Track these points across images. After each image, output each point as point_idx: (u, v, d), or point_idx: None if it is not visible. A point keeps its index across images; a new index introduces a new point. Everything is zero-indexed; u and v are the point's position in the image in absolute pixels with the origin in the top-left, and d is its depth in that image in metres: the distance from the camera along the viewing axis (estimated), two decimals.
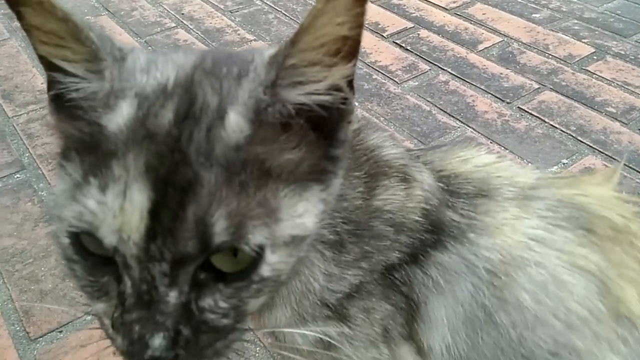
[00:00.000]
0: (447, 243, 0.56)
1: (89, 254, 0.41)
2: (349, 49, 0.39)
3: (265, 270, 0.40)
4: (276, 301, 0.54)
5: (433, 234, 0.56)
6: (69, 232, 0.40)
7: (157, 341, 0.38)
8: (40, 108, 1.53)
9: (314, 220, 0.42)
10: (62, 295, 1.05)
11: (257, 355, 0.96)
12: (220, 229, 0.37)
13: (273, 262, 0.40)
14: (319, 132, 0.43)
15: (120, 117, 0.39)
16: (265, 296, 0.43)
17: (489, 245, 0.56)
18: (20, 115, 1.51)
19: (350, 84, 0.42)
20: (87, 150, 0.40)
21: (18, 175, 1.32)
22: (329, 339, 0.54)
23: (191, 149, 0.38)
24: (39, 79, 1.65)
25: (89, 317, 1.01)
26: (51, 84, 0.43)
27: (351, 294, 0.54)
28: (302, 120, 0.41)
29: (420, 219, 0.55)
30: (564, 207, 0.58)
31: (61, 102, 0.43)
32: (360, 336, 0.56)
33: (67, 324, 1.00)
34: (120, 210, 0.37)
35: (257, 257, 0.39)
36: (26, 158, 1.37)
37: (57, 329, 1.00)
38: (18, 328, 1.00)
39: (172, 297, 0.39)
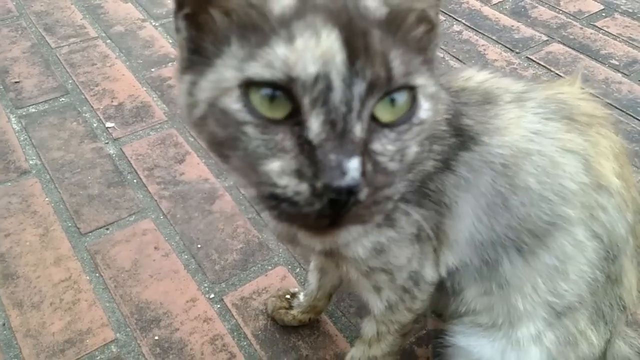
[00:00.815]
0: (469, 144, 0.66)
1: (261, 116, 0.44)
2: None
3: (422, 113, 0.47)
4: None
5: (457, 137, 0.65)
6: (241, 95, 0.44)
7: (354, 164, 0.41)
8: (80, 41, 1.65)
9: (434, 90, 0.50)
10: (107, 200, 1.19)
11: (280, 254, 1.09)
12: (397, 64, 0.44)
13: (426, 108, 0.48)
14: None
15: (285, 2, 0.45)
16: (420, 144, 0.48)
17: (501, 143, 0.66)
18: (63, 46, 1.62)
19: (437, 15, 0.52)
20: (250, 32, 0.45)
21: (63, 99, 1.44)
22: (381, 245, 0.65)
23: (356, 13, 0.45)
24: (78, 15, 1.76)
25: (131, 218, 1.15)
26: None
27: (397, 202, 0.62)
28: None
29: (446, 128, 0.65)
30: (550, 103, 0.69)
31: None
32: (403, 237, 0.66)
33: (112, 223, 1.14)
34: (317, 44, 0.42)
35: (413, 101, 0.47)
36: (69, 84, 1.49)
37: (104, 226, 1.13)
38: (70, 224, 1.14)
39: (358, 129, 0.43)
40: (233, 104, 0.45)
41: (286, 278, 1.05)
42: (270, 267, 1.07)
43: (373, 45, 0.43)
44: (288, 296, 0.99)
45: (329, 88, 0.42)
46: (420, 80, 0.47)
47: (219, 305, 1.01)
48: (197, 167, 1.27)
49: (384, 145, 0.45)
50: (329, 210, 0.42)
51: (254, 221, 1.15)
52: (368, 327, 0.80)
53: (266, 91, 0.44)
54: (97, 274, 1.05)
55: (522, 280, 0.69)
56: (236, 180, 0.55)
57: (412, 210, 0.65)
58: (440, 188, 0.66)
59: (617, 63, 1.57)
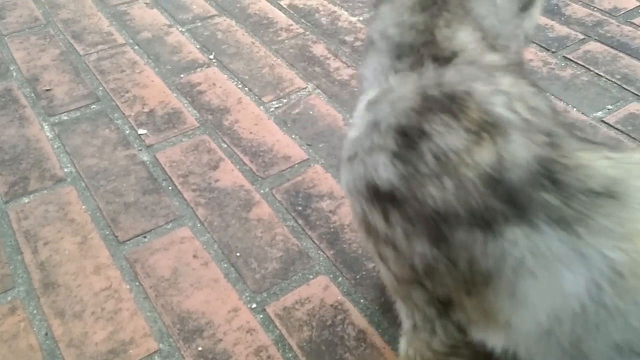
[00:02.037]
0: (541, 224, 0.51)
1: None
2: None
3: None
4: None
5: (510, 209, 0.51)
6: None
7: None
8: (108, 48, 1.64)
9: None
10: (143, 207, 1.17)
11: (321, 263, 1.07)
12: None
13: None
14: None
15: None
16: None
17: (610, 246, 0.50)
18: (91, 54, 1.61)
19: None
20: None
21: (94, 106, 1.43)
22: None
23: None
24: (105, 22, 1.75)
25: (169, 226, 1.13)
26: None
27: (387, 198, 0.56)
28: None
29: (476, 180, 0.51)
30: None
31: None
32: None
33: (150, 230, 1.12)
34: None
35: None
36: (100, 91, 1.48)
37: (141, 234, 1.12)
38: (107, 232, 1.12)
39: None
40: None
41: (329, 287, 1.02)
42: (311, 276, 1.04)
43: None
44: None
45: None
46: None
47: (261, 316, 0.98)
48: (232, 174, 1.25)
49: None
50: None
51: (292, 229, 1.13)
52: (401, 344, 0.73)
53: None
54: (137, 283, 1.03)
55: None
56: None
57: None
58: (469, 241, 0.53)
59: None
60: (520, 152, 0.51)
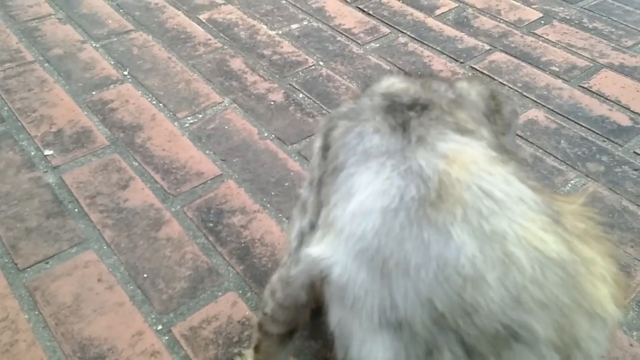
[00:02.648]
0: (397, 125, 0.62)
1: None
2: None
3: None
4: None
5: (384, 103, 0.66)
6: None
7: None
8: (16, 66, 1.58)
9: None
10: (46, 232, 1.13)
11: (230, 279, 1.06)
12: None
13: None
14: None
15: None
16: None
17: (427, 159, 0.55)
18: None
19: None
20: None
21: None
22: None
23: None
24: (13, 39, 1.69)
25: (73, 250, 1.10)
26: None
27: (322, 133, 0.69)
28: None
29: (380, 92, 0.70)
30: (535, 193, 0.54)
31: None
32: (311, 172, 0.70)
33: (52, 256, 1.09)
34: None
35: None
36: (5, 112, 1.42)
37: (43, 260, 1.08)
38: (6, 260, 1.08)
39: None
40: None
41: (237, 304, 1.02)
42: (220, 293, 1.04)
43: None
44: None
45: None
46: None
47: (167, 337, 0.97)
48: (142, 193, 1.23)
49: None
50: None
51: (202, 246, 1.12)
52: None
53: None
54: (36, 312, 1.00)
55: None
56: None
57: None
58: (339, 134, 0.64)
59: (557, 69, 1.61)
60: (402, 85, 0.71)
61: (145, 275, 1.07)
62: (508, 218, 0.51)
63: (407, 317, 0.51)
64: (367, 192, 0.55)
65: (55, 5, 1.87)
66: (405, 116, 0.62)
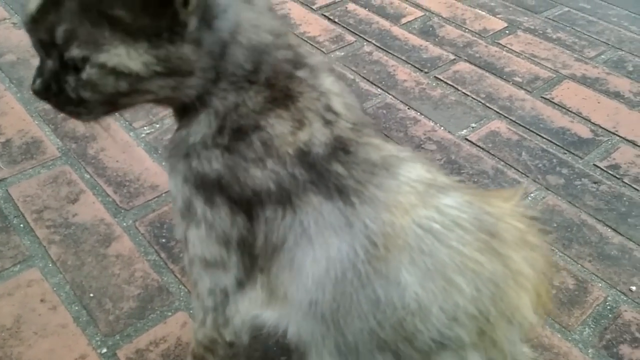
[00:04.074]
0: (333, 194, 0.58)
1: None
2: None
3: (84, 75, 0.56)
4: None
5: (310, 175, 0.58)
6: None
7: (37, 82, 0.59)
8: None
9: (138, 65, 0.55)
10: None
11: (181, 298, 1.03)
12: (59, 35, 0.54)
13: (90, 74, 0.55)
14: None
15: None
16: (90, 94, 0.57)
17: (372, 216, 0.56)
18: None
19: None
20: None
21: None
22: (194, 209, 0.62)
23: None
24: None
25: (16, 268, 1.05)
26: None
27: (220, 187, 0.60)
28: None
29: (292, 154, 0.58)
30: (471, 208, 0.59)
31: None
32: (216, 227, 0.61)
33: None
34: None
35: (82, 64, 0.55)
36: None
37: None
38: None
39: (49, 64, 0.57)
40: None
41: (187, 324, 0.99)
42: (170, 313, 1.00)
43: (51, 15, 0.54)
44: None
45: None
46: (79, 52, 0.54)
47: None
48: (92, 207, 1.18)
49: (68, 79, 0.57)
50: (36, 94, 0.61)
51: (154, 263, 1.08)
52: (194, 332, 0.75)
53: None
54: None
55: None
56: None
57: (237, 212, 0.60)
58: (273, 219, 0.59)
59: (520, 80, 1.61)
60: (326, 132, 0.60)
61: (91, 295, 1.02)
62: (447, 247, 0.56)
63: (356, 346, 0.59)
64: (315, 267, 0.58)
65: (11, 9, 1.80)
66: (333, 176, 0.58)
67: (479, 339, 0.57)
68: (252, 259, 0.63)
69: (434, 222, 0.56)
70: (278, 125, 0.59)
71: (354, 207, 0.57)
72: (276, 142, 0.59)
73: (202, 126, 0.61)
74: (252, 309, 0.64)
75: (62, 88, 0.58)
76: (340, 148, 0.60)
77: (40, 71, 0.58)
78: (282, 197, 0.58)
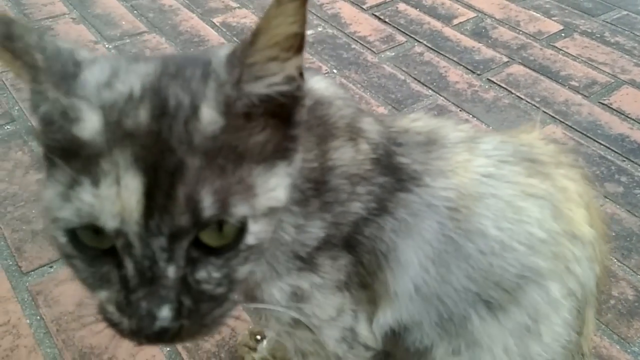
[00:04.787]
0: (407, 184, 0.60)
1: (88, 248, 0.44)
2: (299, 43, 0.43)
3: (250, 239, 0.44)
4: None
5: (391, 177, 0.60)
6: (66, 231, 0.43)
7: (164, 313, 0.42)
8: None
9: (285, 192, 0.47)
10: None
11: None
12: (208, 204, 0.41)
13: (256, 232, 0.44)
14: (279, 116, 0.46)
15: (90, 127, 0.41)
16: (253, 263, 0.47)
17: (445, 185, 0.60)
18: (8, 71, 1.54)
19: (300, 72, 0.45)
20: (71, 156, 0.42)
21: (8, 127, 1.37)
22: (302, 290, 0.59)
23: (173, 139, 0.41)
24: None
25: None
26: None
27: (319, 246, 0.57)
28: (263, 109, 0.45)
29: (371, 167, 0.59)
30: (507, 145, 0.65)
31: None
32: (328, 283, 0.59)
33: (57, 260, 1.07)
34: (117, 195, 0.40)
35: (242, 227, 0.44)
36: (16, 111, 1.42)
37: (47, 264, 1.07)
38: (10, 262, 1.07)
39: (171, 271, 0.42)
40: (60, 236, 0.43)
41: (241, 316, 1.00)
42: None
43: (178, 191, 0.41)
44: (258, 337, 0.93)
45: (129, 245, 0.42)
46: (244, 209, 0.43)
47: (168, 349, 0.95)
48: None
49: (210, 273, 0.44)
50: (151, 340, 0.43)
51: None
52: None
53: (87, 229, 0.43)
54: (38, 317, 0.98)
55: (493, 339, 0.63)
56: None
57: (340, 253, 0.59)
58: (375, 233, 0.59)
59: (577, 84, 1.58)
60: (372, 131, 0.62)
61: None
62: (506, 182, 0.61)
63: (454, 309, 0.64)
64: (419, 253, 0.61)
65: (70, 4, 1.87)
66: (403, 168, 0.61)
67: (553, 264, 0.61)
68: (361, 281, 0.62)
69: (488, 167, 0.62)
70: (342, 154, 0.58)
71: (428, 186, 0.60)
72: (353, 168, 0.58)
73: (286, 216, 0.56)
74: (369, 324, 0.65)
75: (200, 296, 0.44)
76: (391, 143, 0.62)
77: (153, 299, 0.42)
78: (380, 209, 0.59)
